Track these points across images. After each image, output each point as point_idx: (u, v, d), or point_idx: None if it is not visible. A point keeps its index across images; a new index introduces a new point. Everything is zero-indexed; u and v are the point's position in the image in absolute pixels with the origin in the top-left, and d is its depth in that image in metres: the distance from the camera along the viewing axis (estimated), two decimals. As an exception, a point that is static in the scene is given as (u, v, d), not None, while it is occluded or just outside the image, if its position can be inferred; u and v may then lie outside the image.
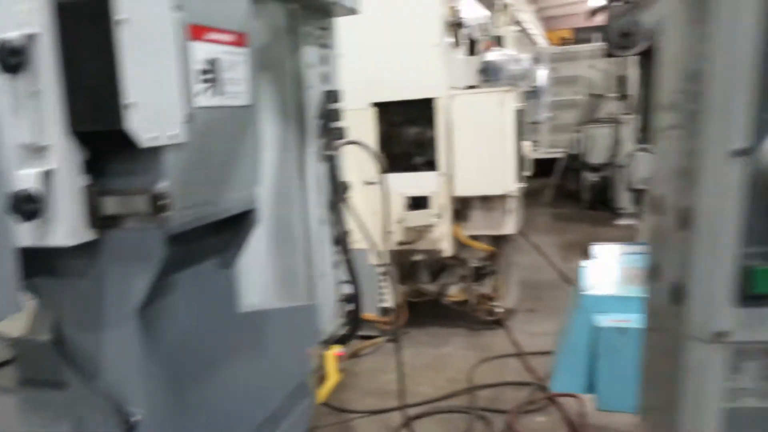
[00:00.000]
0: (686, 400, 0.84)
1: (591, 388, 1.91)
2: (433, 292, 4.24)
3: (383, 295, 3.62)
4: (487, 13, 4.45)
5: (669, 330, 0.87)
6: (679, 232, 0.83)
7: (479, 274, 4.14)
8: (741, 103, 0.74)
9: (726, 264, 0.76)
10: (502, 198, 3.78)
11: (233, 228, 1.60)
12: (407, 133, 3.83)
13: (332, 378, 2.20)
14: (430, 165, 3.76)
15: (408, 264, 4.18)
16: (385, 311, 3.54)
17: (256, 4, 1.98)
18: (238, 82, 1.46)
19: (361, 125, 3.67)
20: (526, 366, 3.59)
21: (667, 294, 0.86)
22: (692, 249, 0.79)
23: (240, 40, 1.47)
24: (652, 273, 0.93)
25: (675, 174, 0.85)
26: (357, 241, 2.51)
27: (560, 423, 2.98)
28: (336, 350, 2.26)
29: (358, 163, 2.90)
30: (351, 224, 2.45)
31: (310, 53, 2.19)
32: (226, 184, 1.47)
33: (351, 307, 2.43)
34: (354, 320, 2.44)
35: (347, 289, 2.42)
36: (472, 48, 4.28)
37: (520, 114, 3.96)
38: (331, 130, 2.28)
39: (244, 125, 1.52)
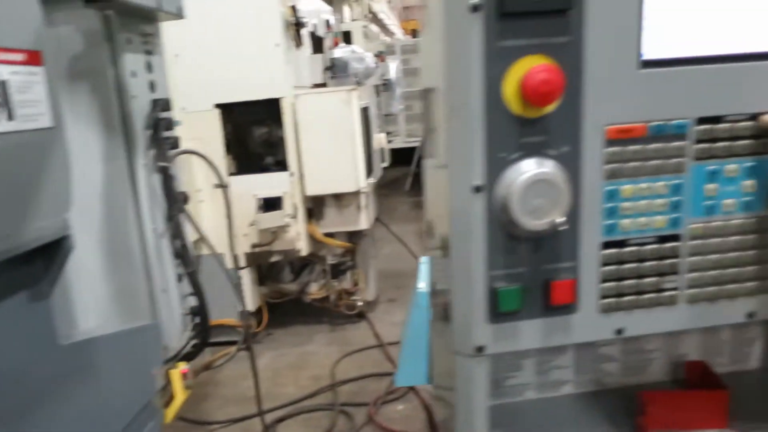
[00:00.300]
0: (458, 401, 0.93)
1: (431, 378, 2.00)
2: (294, 291, 4.25)
3: (240, 300, 3.57)
4: (330, 8, 4.47)
5: (443, 341, 0.96)
6: (442, 257, 0.90)
7: (338, 270, 4.19)
8: (477, 144, 0.82)
9: (478, 287, 0.85)
10: (354, 194, 3.84)
11: (46, 257, 1.50)
12: (256, 133, 3.77)
13: (179, 396, 2.14)
14: (280, 165, 3.73)
15: (267, 265, 4.14)
16: (243, 315, 3.49)
17: (65, 11, 1.87)
18: (34, 103, 1.36)
19: (206, 127, 3.58)
20: (387, 356, 3.71)
21: (440, 311, 0.94)
22: (452, 273, 0.87)
23: (33, 59, 1.37)
24: (432, 291, 1.01)
25: (437, 204, 0.92)
26: (208, 248, 2.46)
27: (419, 409, 3.12)
28: (181, 367, 2.20)
29: (206, 167, 2.82)
30: (199, 233, 2.39)
31: (133, 61, 2.09)
32: (28, 214, 1.37)
33: (197, 319, 2.37)
34: (202, 332, 2.39)
35: (193, 302, 2.36)
36: (320, 45, 4.29)
37: (368, 111, 4.03)
38: (162, 140, 2.20)
39: (47, 149, 1.42)
